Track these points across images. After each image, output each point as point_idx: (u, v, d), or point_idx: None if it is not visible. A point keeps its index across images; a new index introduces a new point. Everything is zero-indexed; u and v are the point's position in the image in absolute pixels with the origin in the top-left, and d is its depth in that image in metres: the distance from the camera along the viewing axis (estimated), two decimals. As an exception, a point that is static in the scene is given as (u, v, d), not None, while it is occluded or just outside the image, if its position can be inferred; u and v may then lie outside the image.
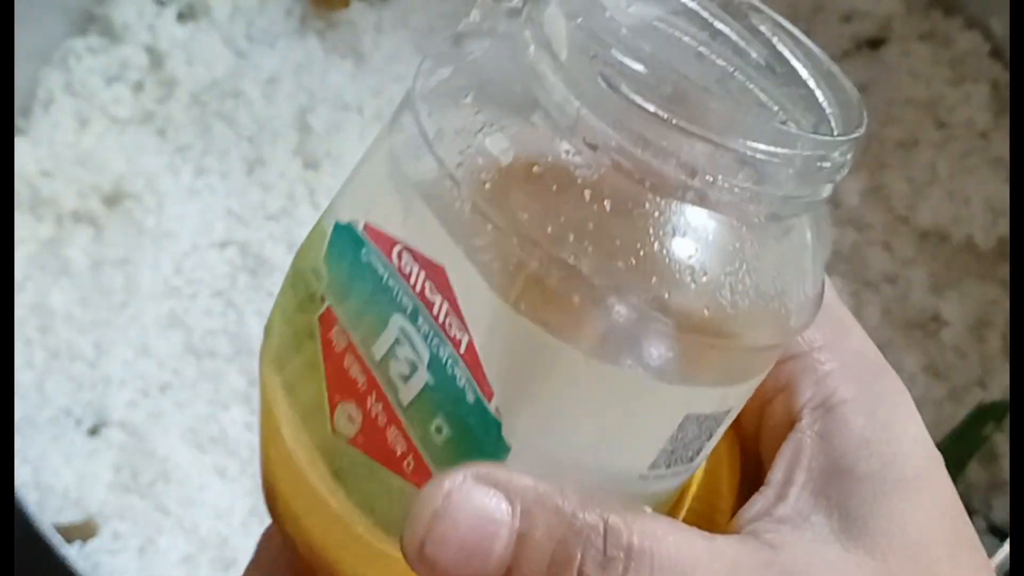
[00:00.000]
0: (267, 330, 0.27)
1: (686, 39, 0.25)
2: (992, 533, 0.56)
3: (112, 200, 0.62)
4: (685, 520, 0.25)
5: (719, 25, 0.25)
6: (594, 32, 0.22)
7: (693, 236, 0.23)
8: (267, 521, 0.61)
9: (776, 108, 0.25)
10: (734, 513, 0.26)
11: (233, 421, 0.57)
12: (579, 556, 0.23)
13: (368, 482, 0.25)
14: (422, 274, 0.23)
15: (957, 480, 0.61)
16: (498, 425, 0.23)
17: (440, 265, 0.23)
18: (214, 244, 0.61)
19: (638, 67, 0.22)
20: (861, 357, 0.27)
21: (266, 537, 0.30)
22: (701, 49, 0.25)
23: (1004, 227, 0.62)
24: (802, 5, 0.68)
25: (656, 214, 0.22)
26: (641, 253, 0.22)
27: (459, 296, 0.23)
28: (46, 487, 0.56)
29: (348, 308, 0.25)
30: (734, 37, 0.25)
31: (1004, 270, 0.61)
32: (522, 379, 0.23)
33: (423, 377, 0.24)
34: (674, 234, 0.23)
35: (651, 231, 0.22)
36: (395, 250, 0.24)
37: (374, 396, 0.24)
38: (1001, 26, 0.66)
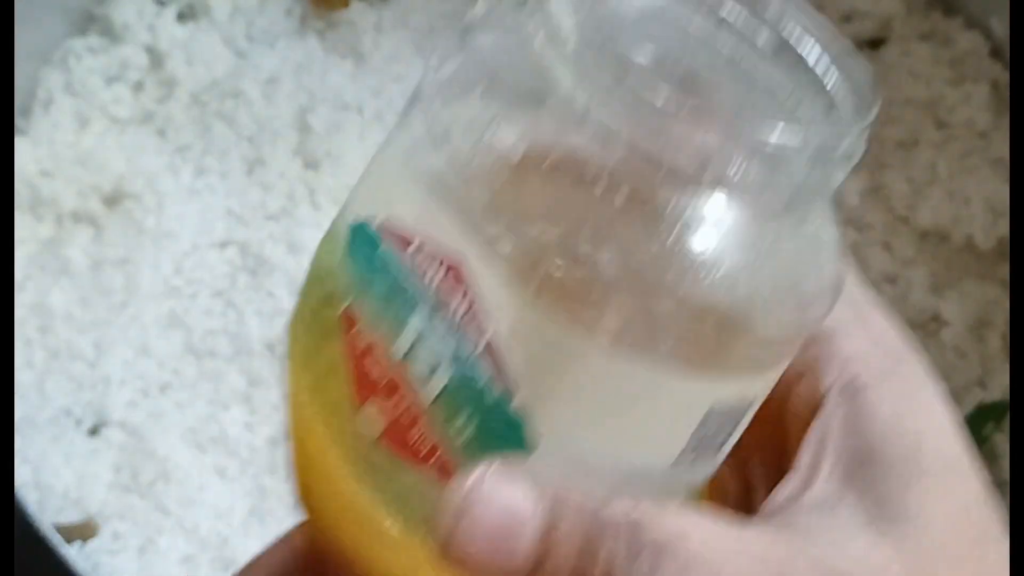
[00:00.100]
0: (290, 330, 0.27)
1: (693, 26, 0.25)
2: (992, 533, 0.56)
3: (112, 200, 0.62)
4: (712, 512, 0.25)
5: (726, 10, 0.25)
6: (601, 22, 0.22)
7: (708, 228, 0.23)
8: (267, 521, 0.61)
9: (786, 95, 0.24)
10: (762, 499, 0.25)
11: (233, 421, 0.57)
12: (605, 553, 0.23)
13: (395, 480, 0.25)
14: (439, 271, 0.23)
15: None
16: (521, 421, 0.23)
17: (457, 261, 0.23)
18: (214, 244, 0.61)
19: (646, 57, 0.22)
20: (884, 340, 0.27)
21: (281, 543, 0.30)
22: (708, 36, 0.25)
23: (1004, 227, 0.62)
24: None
25: (671, 206, 0.22)
26: (657, 245, 0.22)
27: (477, 292, 0.23)
28: (46, 487, 0.56)
29: (368, 307, 0.25)
30: (741, 22, 0.25)
31: (1004, 270, 0.61)
32: (544, 374, 0.23)
33: (444, 375, 0.24)
34: (689, 226, 0.22)
35: (666, 223, 0.22)
36: (411, 247, 0.24)
37: (397, 395, 0.24)
38: (1001, 26, 0.66)
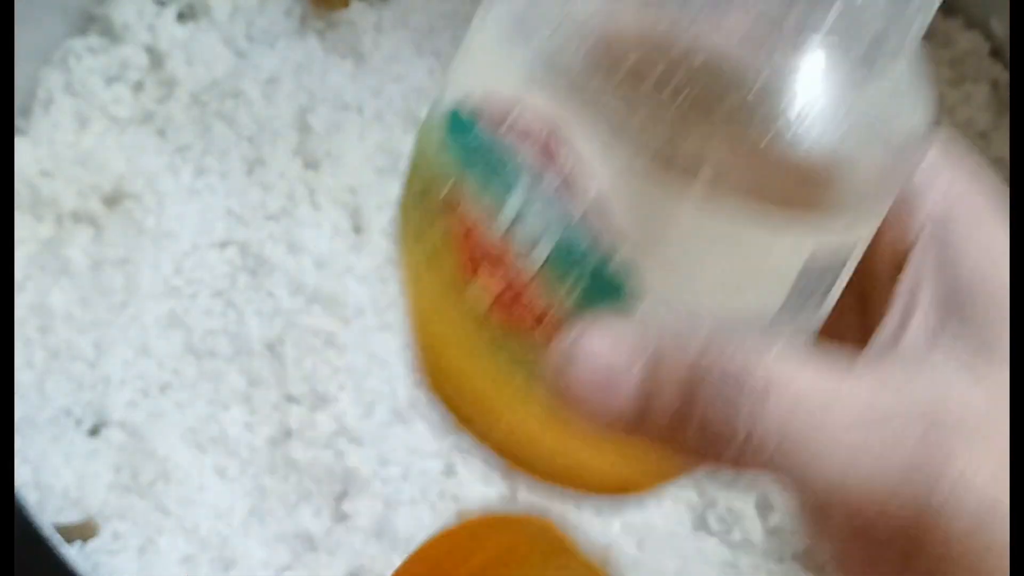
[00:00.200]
0: (398, 213, 0.28)
1: None
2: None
3: (112, 200, 0.62)
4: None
5: None
6: None
7: (795, 79, 0.23)
8: (267, 521, 0.61)
9: None
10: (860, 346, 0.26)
11: (233, 421, 0.57)
12: (705, 398, 0.23)
13: (508, 346, 0.26)
14: (536, 143, 0.24)
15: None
16: (624, 280, 0.24)
17: (553, 131, 0.24)
18: (214, 244, 0.61)
19: None
20: (973, 187, 0.27)
21: None
22: None
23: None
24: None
25: (757, 61, 0.23)
26: (748, 100, 0.23)
27: (575, 159, 0.24)
28: (46, 487, 0.56)
29: (469, 187, 0.26)
30: None
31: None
32: (644, 234, 0.24)
33: (548, 244, 0.25)
34: (777, 78, 0.23)
35: (754, 77, 0.23)
36: (506, 124, 0.25)
37: (504, 267, 0.26)
38: (1001, 26, 0.66)
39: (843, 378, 0.24)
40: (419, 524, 0.56)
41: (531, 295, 0.25)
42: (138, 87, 0.64)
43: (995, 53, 0.67)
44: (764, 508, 0.57)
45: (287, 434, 0.57)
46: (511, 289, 0.26)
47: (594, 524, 0.56)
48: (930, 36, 0.24)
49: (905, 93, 0.25)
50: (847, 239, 0.25)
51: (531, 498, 0.56)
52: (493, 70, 0.25)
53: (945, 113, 0.65)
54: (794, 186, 0.24)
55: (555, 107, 0.24)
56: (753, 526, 0.57)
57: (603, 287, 0.25)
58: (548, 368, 0.25)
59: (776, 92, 0.23)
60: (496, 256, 0.26)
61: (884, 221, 0.26)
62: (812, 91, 0.23)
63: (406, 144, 0.62)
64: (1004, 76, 0.66)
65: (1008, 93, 0.65)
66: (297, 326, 0.59)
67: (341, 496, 0.57)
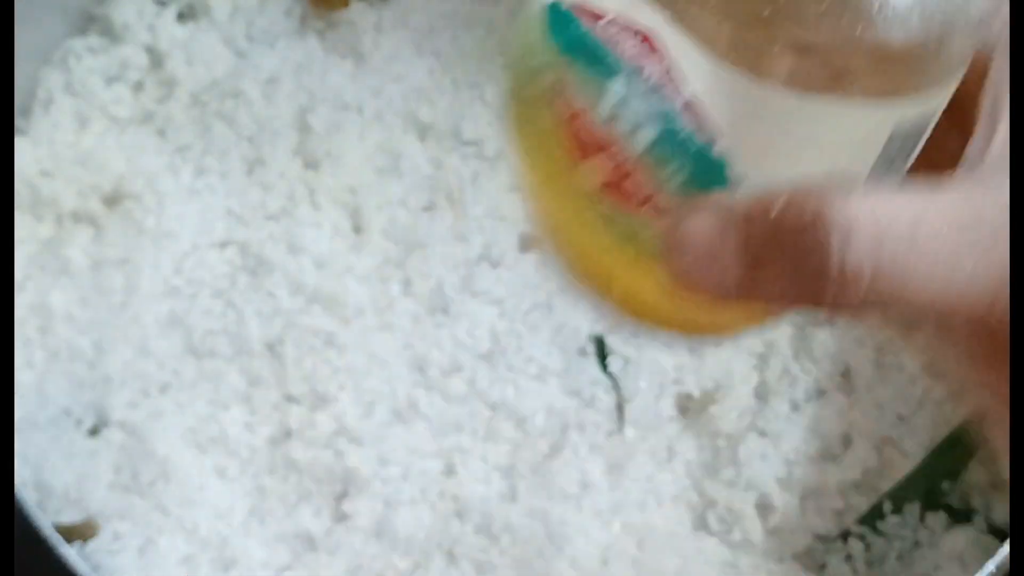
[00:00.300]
0: (505, 102, 0.31)
1: None
2: (992, 533, 0.56)
3: (112, 200, 0.62)
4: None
5: None
6: None
7: None
8: (267, 521, 0.61)
9: None
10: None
11: (233, 421, 0.57)
12: (798, 250, 0.25)
13: (617, 224, 0.29)
14: (634, 39, 0.26)
15: (957, 480, 0.61)
16: (723, 162, 0.27)
17: (649, 29, 0.26)
18: (214, 244, 0.61)
19: None
20: None
21: None
22: None
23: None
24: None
25: None
26: None
27: (672, 55, 0.26)
28: (46, 487, 0.56)
29: (571, 77, 0.28)
30: None
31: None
32: (738, 122, 0.26)
33: (650, 132, 0.27)
34: None
35: None
36: (604, 20, 0.27)
37: (610, 152, 0.28)
38: (1001, 26, 0.66)
39: (931, 197, 0.25)
40: (419, 524, 0.56)
41: (637, 178, 0.28)
42: (138, 87, 0.64)
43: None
44: (764, 508, 0.57)
45: (287, 434, 0.57)
46: (618, 171, 0.28)
47: (594, 524, 0.56)
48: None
49: None
50: (931, 106, 0.27)
51: (531, 498, 0.56)
52: None
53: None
54: (883, 69, 0.25)
55: (651, 9, 0.26)
56: (753, 526, 0.57)
57: (704, 171, 0.27)
58: (658, 246, 0.27)
59: None
60: (602, 141, 0.28)
61: None
62: None
63: (406, 144, 0.62)
64: None
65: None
66: (297, 326, 0.59)
67: (341, 496, 0.57)
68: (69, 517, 0.55)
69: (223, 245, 0.61)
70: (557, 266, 0.32)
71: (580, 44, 0.27)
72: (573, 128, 0.29)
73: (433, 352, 0.58)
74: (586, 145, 0.28)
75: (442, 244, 0.60)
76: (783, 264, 0.26)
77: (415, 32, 0.65)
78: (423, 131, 0.63)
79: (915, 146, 0.27)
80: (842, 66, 0.25)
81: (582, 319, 0.59)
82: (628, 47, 0.27)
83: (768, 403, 0.59)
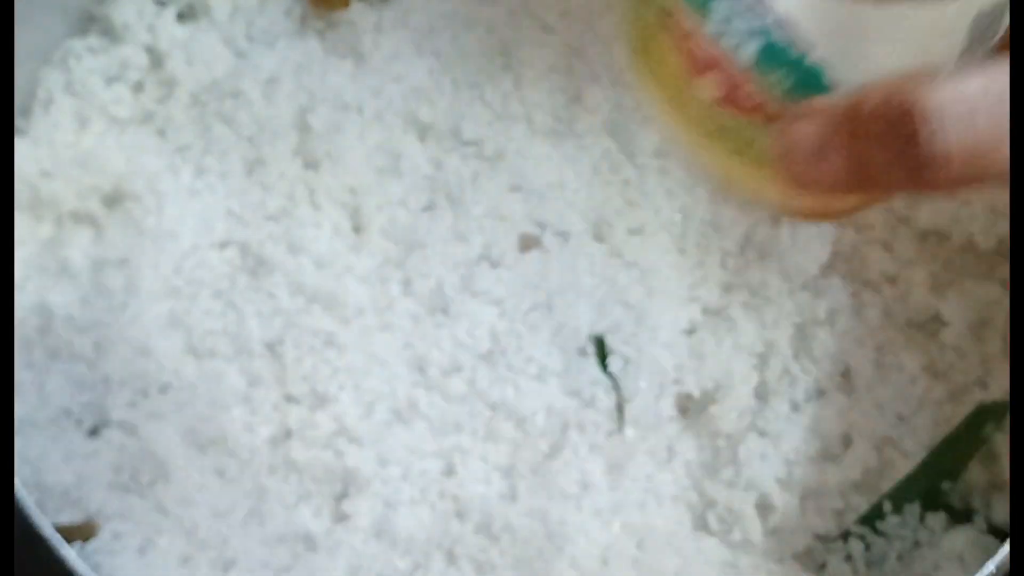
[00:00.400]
0: (622, 30, 0.35)
1: None
2: (992, 533, 0.56)
3: (112, 200, 0.62)
4: None
5: None
6: None
7: None
8: (267, 521, 0.61)
9: None
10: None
11: (233, 421, 0.57)
12: (897, 141, 0.29)
13: (734, 130, 0.33)
14: None
15: (957, 480, 0.61)
16: (819, 72, 0.31)
17: None
18: (214, 244, 0.61)
19: None
20: None
21: None
22: None
23: (1004, 227, 0.61)
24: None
25: None
26: None
27: None
28: (46, 487, 0.56)
29: (680, 1, 0.32)
30: None
31: (1004, 270, 0.61)
32: (828, 33, 0.30)
33: (754, 46, 0.31)
34: None
35: None
36: None
37: (721, 66, 0.32)
38: (1001, 26, 0.66)
39: (987, 69, 0.30)
40: (419, 524, 0.56)
41: (748, 88, 0.32)
42: (138, 87, 0.64)
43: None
44: (764, 508, 0.57)
45: (287, 434, 0.57)
46: (730, 84, 0.32)
47: (594, 524, 0.56)
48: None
49: None
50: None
51: (531, 498, 0.56)
52: None
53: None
54: None
55: None
56: (753, 526, 0.57)
57: (804, 79, 0.31)
58: (771, 148, 0.31)
59: None
60: (713, 58, 0.32)
61: None
62: None
63: (406, 144, 0.62)
64: None
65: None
66: (297, 326, 0.59)
67: (341, 496, 0.57)
68: (69, 517, 0.55)
69: (223, 245, 0.61)
70: (697, 174, 0.36)
71: None
72: (687, 48, 0.32)
73: (433, 352, 0.58)
74: (699, 62, 0.32)
75: (442, 244, 0.60)
76: (884, 154, 0.29)
77: (415, 32, 0.65)
78: (423, 131, 0.63)
79: (999, 24, 0.30)
80: None
81: (582, 319, 0.59)
82: None
83: (768, 403, 0.59)
